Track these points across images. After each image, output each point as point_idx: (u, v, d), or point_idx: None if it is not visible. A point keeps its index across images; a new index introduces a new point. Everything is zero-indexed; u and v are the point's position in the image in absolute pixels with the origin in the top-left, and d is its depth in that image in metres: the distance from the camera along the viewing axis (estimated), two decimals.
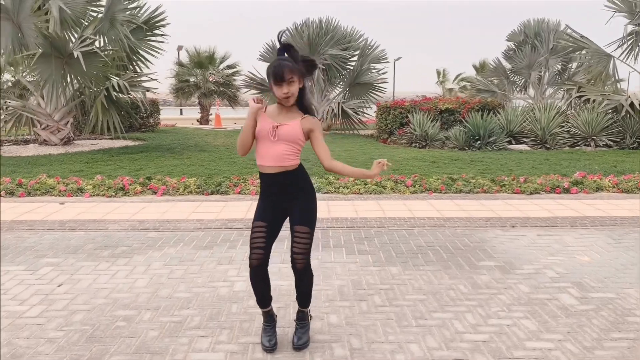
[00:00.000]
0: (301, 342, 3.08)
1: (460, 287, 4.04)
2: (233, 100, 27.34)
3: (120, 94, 11.34)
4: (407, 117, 13.98)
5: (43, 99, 12.22)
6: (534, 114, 13.26)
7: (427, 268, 4.48)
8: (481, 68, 35.38)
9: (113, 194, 7.47)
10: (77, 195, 7.46)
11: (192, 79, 27.16)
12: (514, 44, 21.74)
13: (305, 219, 2.98)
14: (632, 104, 12.92)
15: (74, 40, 11.61)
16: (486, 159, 10.71)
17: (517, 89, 21.43)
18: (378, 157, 11.01)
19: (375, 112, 16.10)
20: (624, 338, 3.22)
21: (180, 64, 27.58)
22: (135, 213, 6.42)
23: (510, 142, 12.82)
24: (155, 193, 7.54)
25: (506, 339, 3.20)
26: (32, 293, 3.95)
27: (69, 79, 11.36)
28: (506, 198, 7.33)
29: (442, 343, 3.15)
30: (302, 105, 2.96)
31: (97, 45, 11.56)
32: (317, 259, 4.68)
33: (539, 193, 7.64)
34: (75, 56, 10.34)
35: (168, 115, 31.30)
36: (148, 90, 12.41)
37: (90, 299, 3.83)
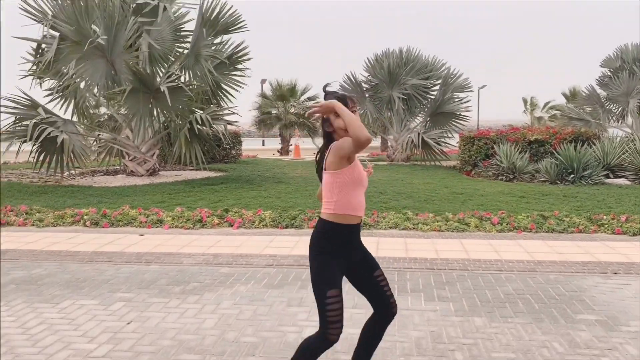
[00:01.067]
0: None
1: (555, 345, 3.56)
2: (312, 132, 27.61)
3: (202, 127, 11.64)
4: (492, 147, 13.33)
5: (132, 131, 12.81)
6: (635, 145, 12.20)
7: (517, 320, 4.02)
8: (572, 96, 33.58)
9: (191, 226, 7.53)
10: (156, 227, 7.57)
11: (273, 111, 27.83)
12: (610, 70, 20.45)
13: (375, 261, 2.81)
14: None
15: (160, 75, 12.14)
16: (581, 194, 9.89)
17: (614, 118, 20.01)
18: (461, 190, 10.49)
19: (457, 142, 15.53)
20: None
21: (263, 96, 28.37)
22: (210, 247, 6.38)
23: (607, 176, 11.82)
24: (232, 225, 7.52)
25: None
26: (102, 330, 3.91)
27: (155, 113, 11.83)
28: (605, 239, 6.63)
29: None
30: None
31: (183, 80, 11.99)
32: None
33: None
34: (162, 91, 10.75)
35: (251, 146, 32.29)
36: (230, 124, 12.68)
37: (157, 340, 3.72)
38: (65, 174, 12.50)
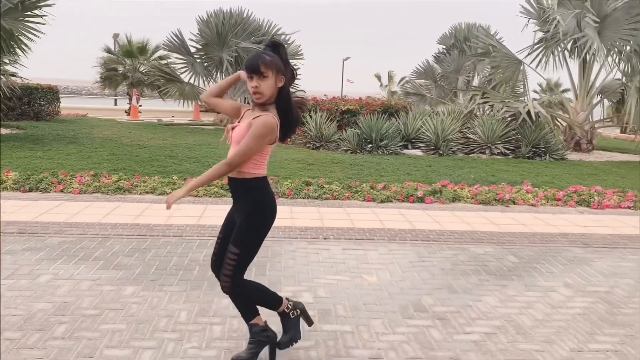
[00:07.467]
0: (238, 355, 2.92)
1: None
2: (163, 93, 26.27)
3: None
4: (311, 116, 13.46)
5: None
6: (432, 119, 12.88)
7: None
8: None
9: None
10: None
11: (120, 68, 26.12)
12: (444, 47, 21.57)
13: (235, 237, 2.76)
14: (528, 112, 12.73)
15: None
16: (367, 163, 10.26)
17: (449, 95, 21.15)
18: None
19: None
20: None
21: (108, 51, 26.50)
22: None
23: (406, 147, 12.45)
24: None
25: None
26: None
27: None
28: (352, 206, 6.86)
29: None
30: (280, 107, 2.72)
31: None
32: None
33: (391, 201, 7.21)
34: None
35: (98, 105, 30.32)
36: (13, 76, 11.45)
37: None
38: None
